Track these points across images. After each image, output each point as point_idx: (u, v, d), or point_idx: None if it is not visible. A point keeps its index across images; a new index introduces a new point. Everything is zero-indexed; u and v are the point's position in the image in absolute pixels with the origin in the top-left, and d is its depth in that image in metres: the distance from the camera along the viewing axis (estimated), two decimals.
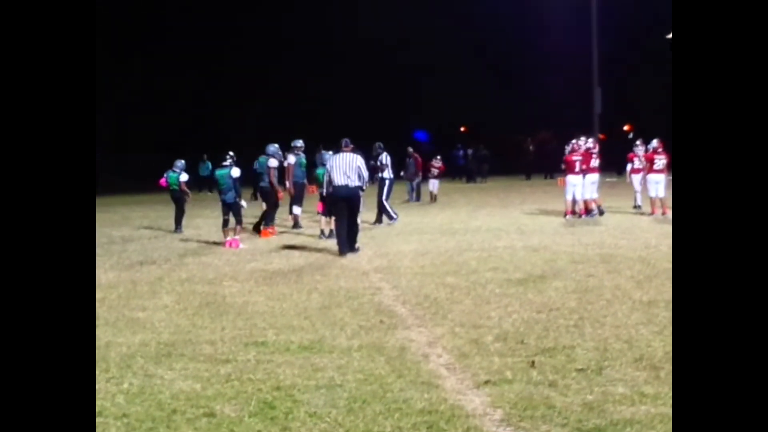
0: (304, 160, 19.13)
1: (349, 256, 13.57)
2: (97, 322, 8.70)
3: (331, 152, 16.90)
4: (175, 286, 11.04)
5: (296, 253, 14.52)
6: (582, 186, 19.45)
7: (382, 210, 19.91)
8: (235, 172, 16.16)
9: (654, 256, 12.26)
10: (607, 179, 33.13)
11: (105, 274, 12.40)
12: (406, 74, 55.07)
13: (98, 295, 10.42)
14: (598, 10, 45.52)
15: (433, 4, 55.09)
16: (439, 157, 31.61)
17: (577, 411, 5.23)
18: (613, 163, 40.57)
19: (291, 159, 18.58)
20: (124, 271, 12.74)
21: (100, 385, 6.24)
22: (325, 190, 14.71)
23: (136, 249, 16.05)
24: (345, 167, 13.99)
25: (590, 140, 21.35)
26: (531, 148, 48.11)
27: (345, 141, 14.58)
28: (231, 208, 16.02)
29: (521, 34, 53.35)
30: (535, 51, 53.29)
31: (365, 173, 14.40)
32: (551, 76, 53.28)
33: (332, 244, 15.05)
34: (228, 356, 7.05)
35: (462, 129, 59.07)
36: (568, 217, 19.45)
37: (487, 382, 5.99)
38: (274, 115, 51.21)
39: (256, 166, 18.57)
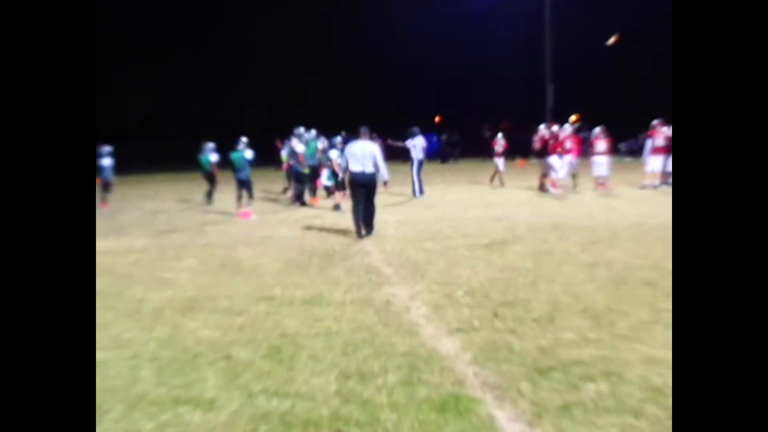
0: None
1: (367, 238, 11.77)
2: (132, 281, 8.71)
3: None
4: (197, 251, 10.99)
5: (299, 223, 14.46)
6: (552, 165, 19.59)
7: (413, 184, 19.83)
8: (249, 154, 16.15)
9: (595, 225, 12.24)
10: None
11: (138, 241, 12.33)
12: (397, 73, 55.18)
13: (133, 258, 10.41)
14: (551, 17, 45.54)
15: (414, 10, 54.86)
16: (501, 134, 24.11)
17: (533, 353, 5.25)
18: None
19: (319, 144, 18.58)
20: (155, 238, 12.66)
21: (135, 334, 6.24)
22: (341, 175, 12.61)
23: (163, 219, 15.95)
24: (360, 154, 11.82)
25: (543, 127, 21.22)
26: (488, 134, 48.11)
27: (363, 129, 12.31)
28: (244, 185, 15.97)
29: (488, 37, 53.20)
30: (497, 53, 53.21)
31: (381, 162, 11.91)
32: (510, 74, 53.32)
33: (333, 217, 15.01)
34: (242, 309, 7.03)
35: (437, 119, 58.83)
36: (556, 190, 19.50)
37: (458, 330, 6.00)
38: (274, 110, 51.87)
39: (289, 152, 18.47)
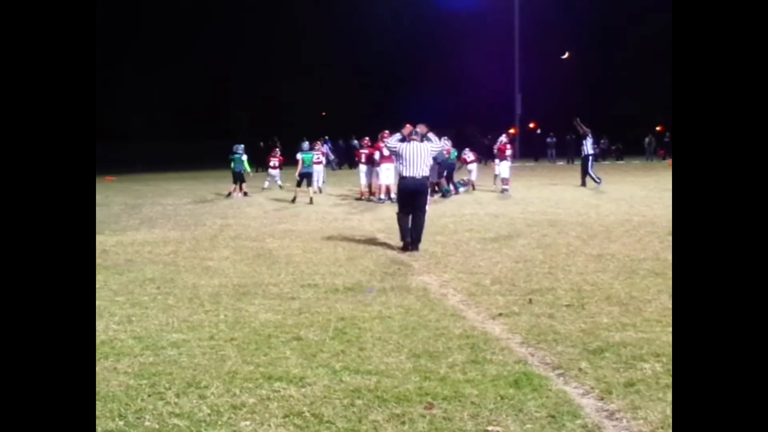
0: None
1: (413, 253, 9.45)
2: (179, 269, 8.59)
3: None
4: (228, 242, 10.84)
5: (312, 216, 14.37)
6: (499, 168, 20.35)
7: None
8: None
9: (588, 222, 12.28)
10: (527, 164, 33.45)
11: (170, 233, 12.16)
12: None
13: (171, 248, 10.28)
14: (520, 35, 45.96)
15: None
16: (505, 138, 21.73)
17: (580, 336, 5.25)
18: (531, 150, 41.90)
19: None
20: (185, 231, 12.43)
21: (202, 317, 6.16)
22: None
23: (186, 214, 15.63)
24: (416, 157, 9.62)
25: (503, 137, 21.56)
26: (488, 138, 48.36)
27: (417, 127, 9.96)
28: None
29: (466, 54, 53.38)
30: (471, 66, 53.48)
31: (431, 161, 10.05)
32: (482, 85, 53.69)
33: (351, 213, 14.89)
34: (292, 295, 6.96)
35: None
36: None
37: (500, 315, 5.99)
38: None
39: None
